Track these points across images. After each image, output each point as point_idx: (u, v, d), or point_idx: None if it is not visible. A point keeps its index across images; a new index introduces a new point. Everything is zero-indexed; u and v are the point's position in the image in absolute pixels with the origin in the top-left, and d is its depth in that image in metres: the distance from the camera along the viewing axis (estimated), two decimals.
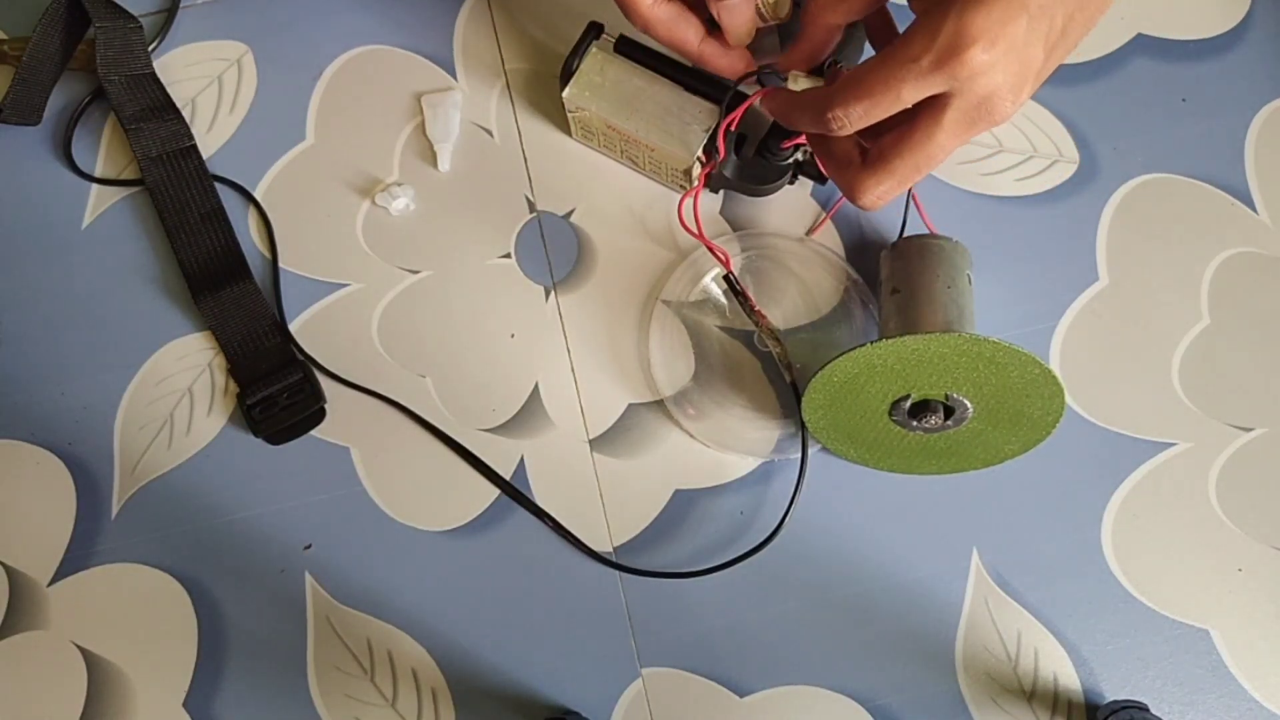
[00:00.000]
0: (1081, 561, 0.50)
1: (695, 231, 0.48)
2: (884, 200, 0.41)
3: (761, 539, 0.49)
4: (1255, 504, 0.50)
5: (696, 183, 0.49)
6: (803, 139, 0.49)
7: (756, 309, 0.49)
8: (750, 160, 0.51)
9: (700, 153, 0.48)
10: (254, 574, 0.50)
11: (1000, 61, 0.35)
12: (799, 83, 0.43)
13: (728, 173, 0.51)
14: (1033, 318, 0.52)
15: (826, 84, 0.42)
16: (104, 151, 0.55)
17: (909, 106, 0.37)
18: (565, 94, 0.49)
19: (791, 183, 0.53)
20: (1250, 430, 0.51)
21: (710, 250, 0.49)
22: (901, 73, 0.36)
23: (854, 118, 0.38)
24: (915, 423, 0.46)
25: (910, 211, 0.52)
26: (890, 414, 0.47)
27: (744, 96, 0.47)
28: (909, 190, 0.51)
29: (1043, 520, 0.50)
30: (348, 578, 0.50)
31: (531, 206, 0.54)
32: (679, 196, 0.53)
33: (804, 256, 0.53)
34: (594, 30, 0.50)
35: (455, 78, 0.56)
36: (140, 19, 0.54)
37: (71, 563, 0.50)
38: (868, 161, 0.40)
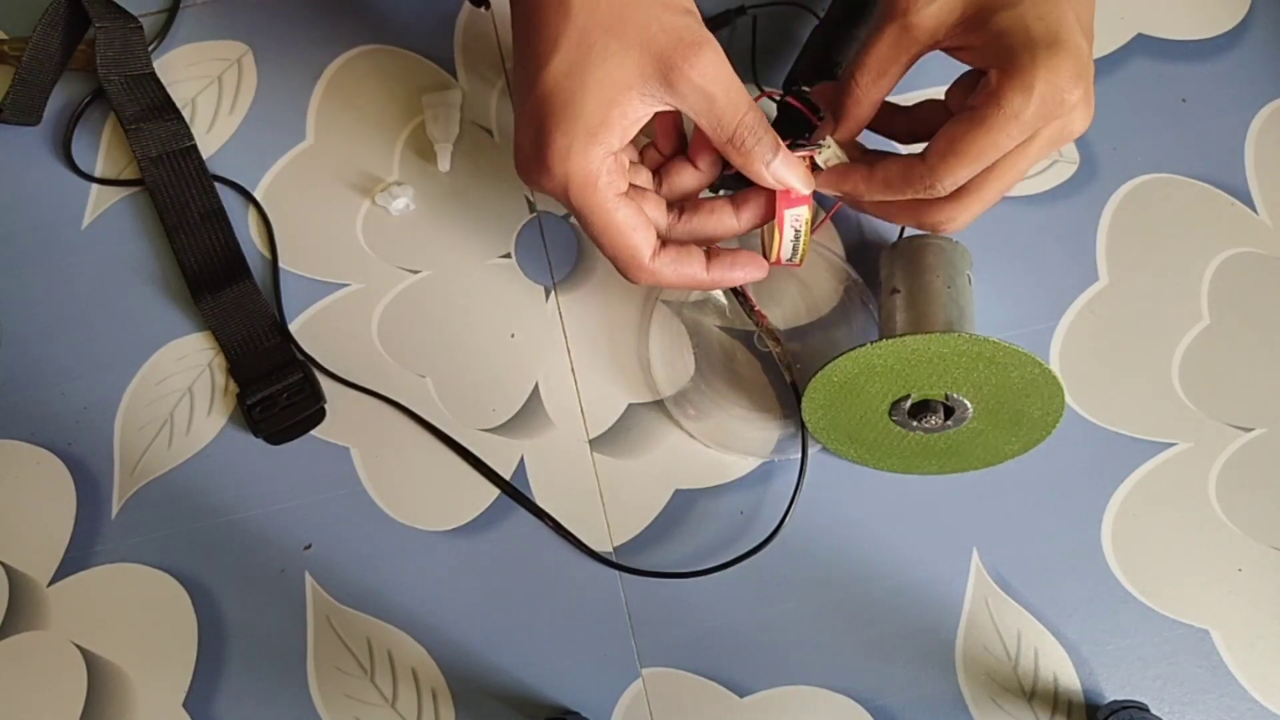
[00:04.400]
0: (1081, 561, 0.50)
1: None
2: (972, 221, 0.43)
3: (761, 539, 0.49)
4: (1255, 504, 0.50)
5: None
6: (801, 138, 0.49)
7: (756, 309, 0.49)
8: None
9: None
10: (254, 574, 0.50)
11: (1086, 92, 0.37)
12: (826, 153, 0.43)
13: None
14: (1033, 318, 0.52)
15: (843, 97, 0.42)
16: (104, 151, 0.55)
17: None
18: None
19: None
20: (1250, 430, 0.51)
21: None
22: (1005, 132, 0.38)
23: (958, 180, 0.40)
24: (915, 423, 0.46)
25: None
26: (890, 414, 0.47)
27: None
28: None
29: (1043, 520, 0.50)
30: (348, 578, 0.50)
31: (531, 206, 0.54)
32: None
33: None
34: None
35: (455, 78, 0.56)
36: (140, 19, 0.54)
37: (71, 563, 0.50)
38: (954, 193, 0.41)
